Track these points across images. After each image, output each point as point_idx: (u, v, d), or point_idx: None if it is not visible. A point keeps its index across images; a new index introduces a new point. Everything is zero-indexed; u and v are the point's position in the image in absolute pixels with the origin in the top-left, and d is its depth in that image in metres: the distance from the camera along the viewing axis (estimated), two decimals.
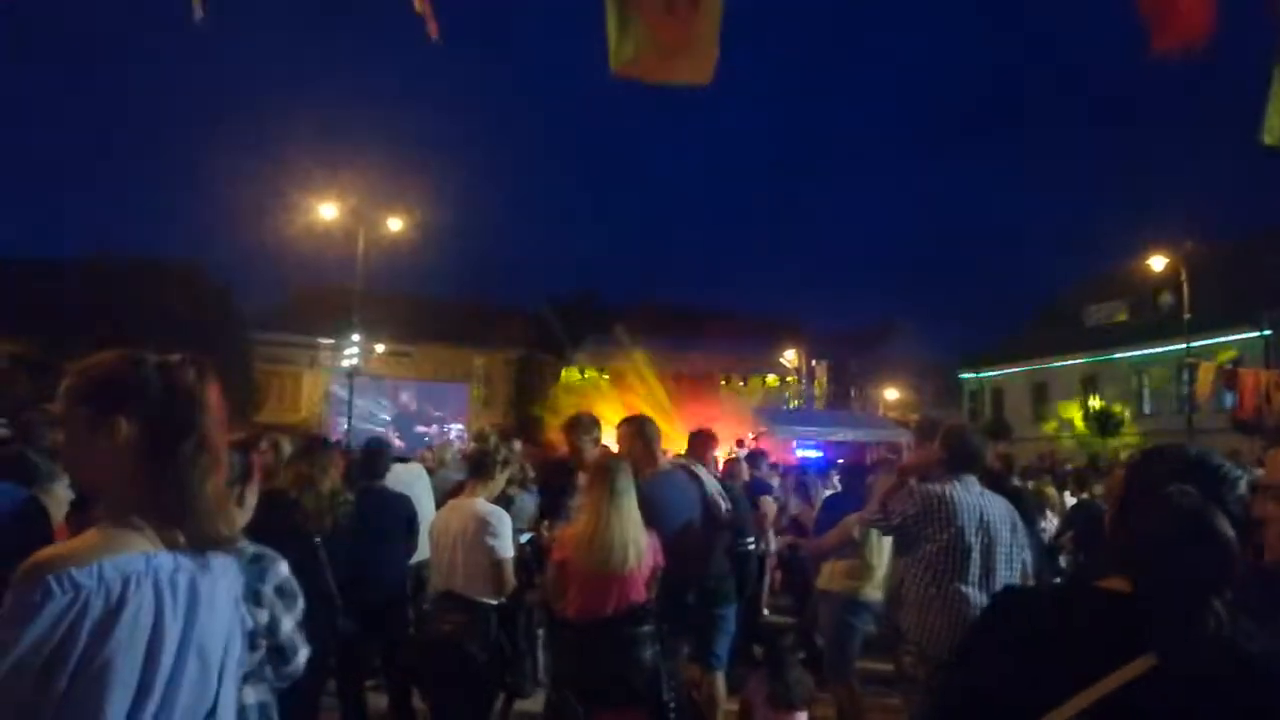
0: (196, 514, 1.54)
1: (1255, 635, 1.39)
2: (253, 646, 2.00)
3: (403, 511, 5.56)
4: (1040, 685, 1.40)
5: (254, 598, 2.11)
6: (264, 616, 2.11)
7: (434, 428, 24.51)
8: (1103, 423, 32.24)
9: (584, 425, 5.38)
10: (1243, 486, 1.49)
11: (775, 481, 10.08)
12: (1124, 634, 1.38)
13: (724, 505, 5.36)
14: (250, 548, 2.39)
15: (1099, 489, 9.00)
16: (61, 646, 1.34)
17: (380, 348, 25.84)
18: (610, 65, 2.74)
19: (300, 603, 2.46)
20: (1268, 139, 2.94)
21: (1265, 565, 1.76)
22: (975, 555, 4.08)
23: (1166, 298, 29.74)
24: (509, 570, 4.54)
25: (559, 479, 5.59)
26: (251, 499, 2.58)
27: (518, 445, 6.28)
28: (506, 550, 4.54)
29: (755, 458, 9.96)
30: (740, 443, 15.04)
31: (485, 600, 4.49)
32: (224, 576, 1.59)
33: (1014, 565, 4.21)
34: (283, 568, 2.32)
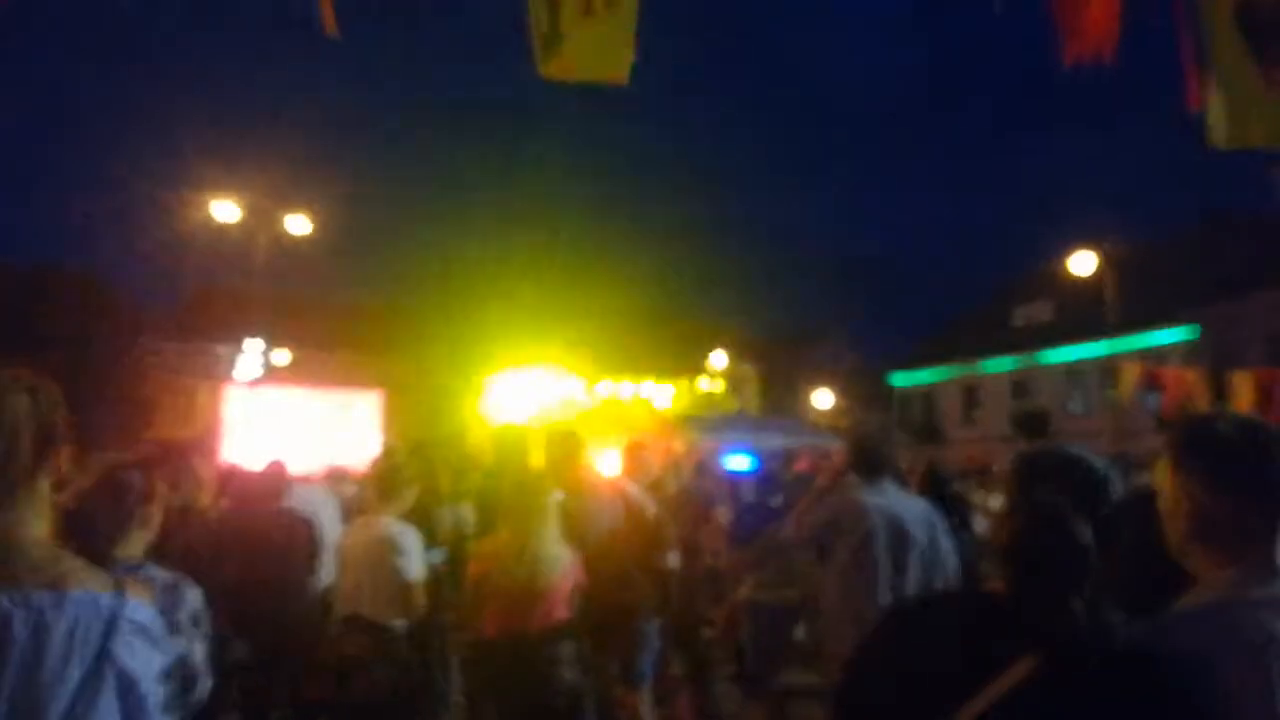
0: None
1: (1121, 625, 1.49)
2: (169, 677, 1.82)
3: (303, 534, 5.37)
4: (932, 692, 1.44)
5: (172, 626, 2.06)
6: (180, 645, 2.07)
7: (342, 441, 23.36)
8: (1029, 424, 32.39)
9: (517, 440, 5.39)
10: (1112, 487, 1.77)
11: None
12: (1004, 634, 1.46)
13: (649, 518, 5.38)
14: (163, 575, 2.39)
15: None
16: None
17: (283, 355, 24.62)
18: (539, 68, 2.85)
19: (206, 630, 2.42)
20: (1213, 140, 3.07)
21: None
22: (885, 561, 4.07)
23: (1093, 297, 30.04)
24: (418, 592, 4.46)
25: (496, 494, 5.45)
26: (156, 519, 2.52)
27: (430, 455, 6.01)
28: (415, 571, 4.45)
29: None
30: (668, 451, 14.65)
31: (393, 623, 4.41)
32: (65, 617, 1.47)
33: (932, 569, 4.15)
34: (193, 595, 2.30)
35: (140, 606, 1.57)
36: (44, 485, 1.58)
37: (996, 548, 1.61)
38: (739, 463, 18.98)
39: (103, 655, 1.48)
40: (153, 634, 1.58)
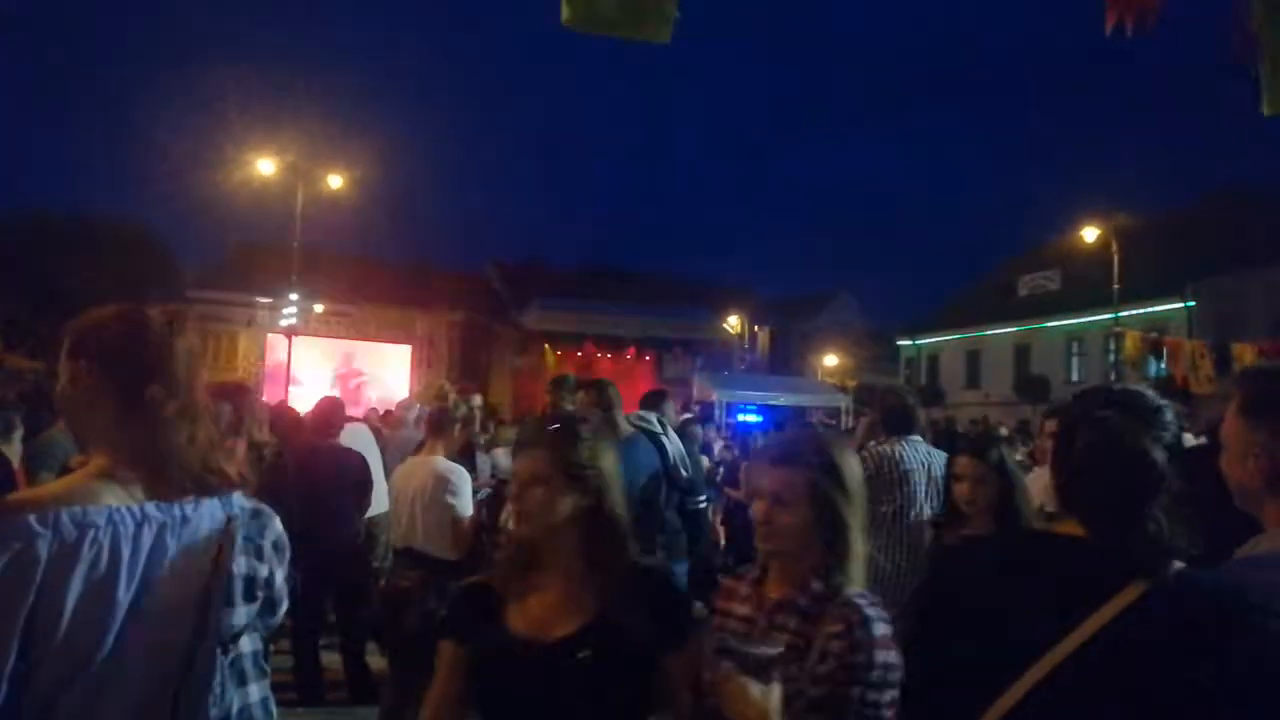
0: (172, 460, 1.58)
1: (1196, 545, 1.43)
2: (253, 598, 2.00)
3: (355, 468, 5.55)
4: (1001, 635, 1.41)
5: (256, 552, 2.09)
6: (264, 570, 2.10)
7: (376, 389, 24.42)
8: (1031, 389, 33.18)
9: (566, 386, 5.38)
10: (1169, 415, 1.53)
11: (717, 444, 10.38)
12: (1078, 579, 1.40)
13: (683, 469, 5.36)
14: (249, 502, 2.38)
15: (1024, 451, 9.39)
16: (7, 588, 1.37)
17: (319, 307, 25.43)
18: (562, 17, 2.61)
19: (288, 556, 2.44)
20: (1268, 110, 2.90)
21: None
22: (927, 513, 4.13)
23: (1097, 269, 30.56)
24: (468, 527, 4.55)
25: None
26: (241, 450, 2.66)
27: (478, 400, 6.14)
28: (466, 508, 4.55)
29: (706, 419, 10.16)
30: (687, 405, 15.24)
31: (444, 557, 4.51)
32: (203, 524, 1.62)
33: None
34: (277, 523, 2.32)
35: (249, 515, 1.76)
36: (201, 404, 1.71)
37: (1065, 469, 1.52)
38: (749, 418, 19.83)
39: (220, 557, 1.63)
40: (253, 543, 1.76)
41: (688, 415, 11.53)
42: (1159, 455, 1.45)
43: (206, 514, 1.63)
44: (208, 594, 1.58)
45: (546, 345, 25.59)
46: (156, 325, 1.64)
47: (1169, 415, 1.51)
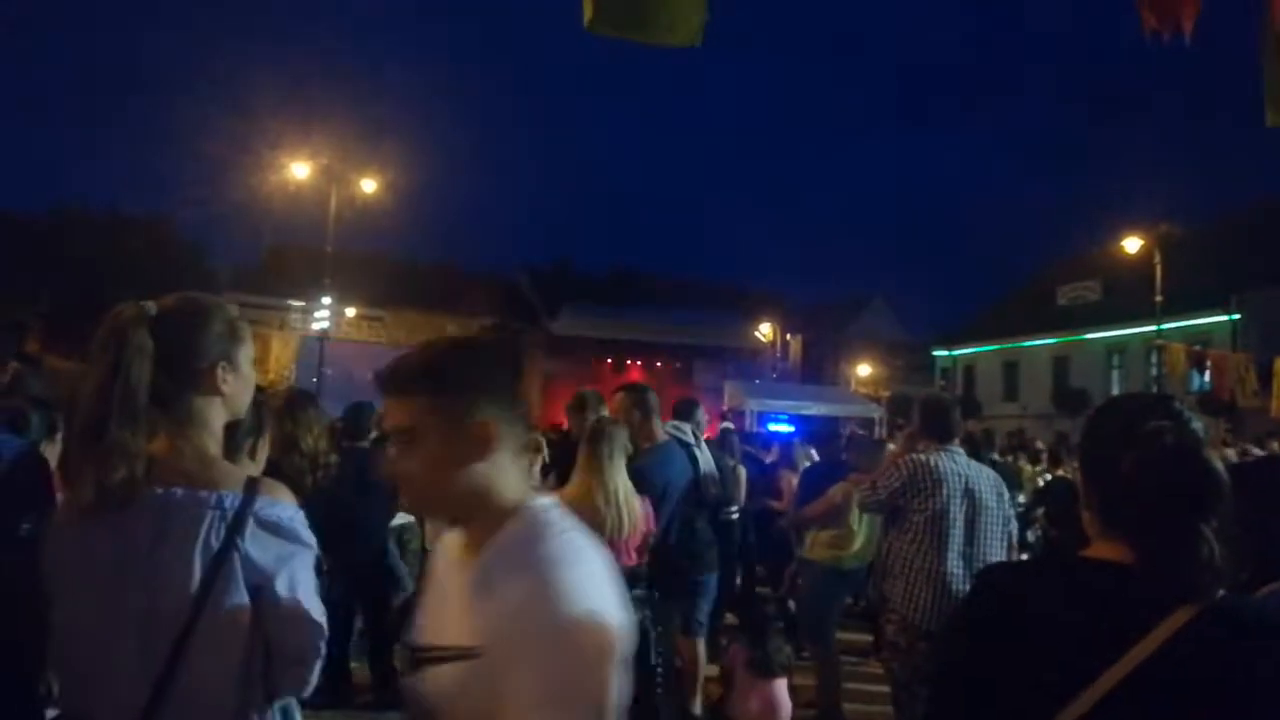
0: (106, 461, 1.54)
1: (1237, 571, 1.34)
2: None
3: (383, 474, 5.56)
4: (1045, 665, 1.33)
5: None
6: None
7: None
8: (1070, 402, 32.58)
9: (589, 403, 5.35)
10: (1199, 425, 1.42)
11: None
12: (1125, 605, 1.32)
13: (713, 483, 5.33)
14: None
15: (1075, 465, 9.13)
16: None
17: (351, 311, 25.61)
18: (584, 23, 2.51)
19: None
20: (1271, 120, 2.89)
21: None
22: (960, 524, 4.07)
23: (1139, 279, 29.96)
24: None
25: (566, 451, 5.48)
26: (264, 453, 2.57)
27: None
28: None
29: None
30: (724, 414, 15.12)
31: None
32: (189, 513, 1.57)
33: (1000, 534, 4.20)
34: None
35: (272, 504, 1.63)
36: (199, 402, 1.68)
37: (1112, 484, 1.40)
38: (780, 427, 19.58)
39: (228, 548, 1.56)
40: (285, 529, 1.63)
41: (727, 425, 11.32)
42: (1224, 471, 1.35)
43: (199, 503, 1.59)
44: (206, 590, 1.54)
45: (576, 351, 25.43)
46: (123, 318, 1.62)
47: (1199, 427, 1.41)
